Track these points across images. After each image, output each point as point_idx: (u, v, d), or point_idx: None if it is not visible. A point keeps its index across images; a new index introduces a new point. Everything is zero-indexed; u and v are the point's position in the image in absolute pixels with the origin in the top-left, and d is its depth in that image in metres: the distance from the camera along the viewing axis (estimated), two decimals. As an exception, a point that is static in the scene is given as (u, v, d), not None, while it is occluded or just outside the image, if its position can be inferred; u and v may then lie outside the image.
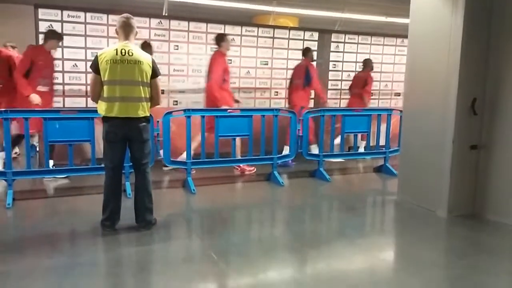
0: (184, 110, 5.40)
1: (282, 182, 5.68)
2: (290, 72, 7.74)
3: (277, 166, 5.86)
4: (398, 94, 8.75)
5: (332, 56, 8.25)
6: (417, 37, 4.87)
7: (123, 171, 4.14)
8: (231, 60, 7.17)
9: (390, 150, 6.59)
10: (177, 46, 6.81)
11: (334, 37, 8.28)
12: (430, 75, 4.66)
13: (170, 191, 5.41)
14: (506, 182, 4.28)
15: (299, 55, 7.75)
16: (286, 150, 6.55)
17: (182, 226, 4.24)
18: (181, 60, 6.87)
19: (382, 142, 6.64)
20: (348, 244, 3.82)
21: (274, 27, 7.93)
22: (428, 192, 4.67)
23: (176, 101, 6.89)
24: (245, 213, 4.81)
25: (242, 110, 5.88)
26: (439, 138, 4.52)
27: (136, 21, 3.95)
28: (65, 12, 6.09)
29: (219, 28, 7.12)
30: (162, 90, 5.82)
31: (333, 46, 8.25)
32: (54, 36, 5.62)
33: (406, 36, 5.07)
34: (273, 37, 7.65)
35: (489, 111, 4.43)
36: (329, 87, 8.24)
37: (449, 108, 4.41)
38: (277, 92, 7.81)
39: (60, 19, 6.07)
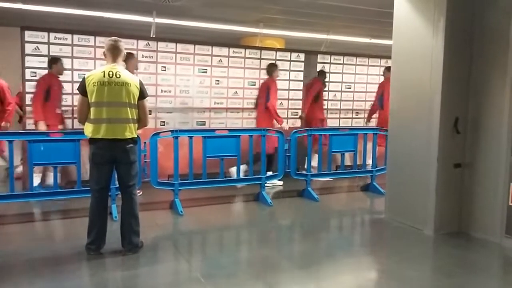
0: (172, 131, 5.40)
1: (271, 202, 5.66)
2: (279, 92, 7.83)
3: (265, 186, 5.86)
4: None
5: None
6: (400, 58, 4.99)
7: (109, 194, 4.09)
8: (218, 81, 7.24)
9: (377, 168, 6.65)
10: (165, 67, 6.85)
11: (320, 58, 8.41)
12: (414, 95, 4.76)
13: (157, 212, 5.35)
14: (489, 200, 4.34)
15: (286, 75, 7.88)
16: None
17: (169, 249, 4.19)
18: (168, 81, 6.90)
19: (369, 161, 6.71)
20: (336, 264, 3.81)
21: (261, 48, 8.04)
22: (414, 210, 4.71)
23: (164, 122, 6.89)
24: (233, 234, 4.77)
25: (229, 130, 5.90)
26: (424, 156, 4.59)
27: (124, 43, 3.99)
28: (52, 34, 6.10)
29: (206, 50, 7.20)
30: (149, 111, 5.85)
31: (319, 67, 8.37)
32: (55, 61, 5.90)
33: (390, 57, 5.18)
34: (260, 58, 7.74)
35: (472, 130, 4.52)
36: (316, 107, 8.30)
37: (433, 127, 4.49)
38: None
39: (46, 41, 6.07)
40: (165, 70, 6.86)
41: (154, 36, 7.05)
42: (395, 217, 4.96)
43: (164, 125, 6.84)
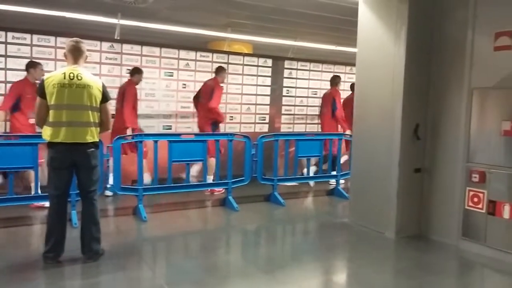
0: (135, 135, 5.29)
1: (237, 207, 5.65)
2: (245, 98, 7.87)
3: (231, 191, 5.84)
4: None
5: (286, 82, 8.44)
6: (364, 65, 5.11)
7: (69, 199, 3.95)
8: (185, 84, 7.17)
9: (341, 173, 6.76)
10: (129, 70, 6.72)
11: (287, 64, 8.50)
12: (376, 102, 4.88)
13: (120, 219, 5.21)
14: (447, 204, 4.49)
15: (253, 80, 7.91)
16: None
17: (132, 256, 4.08)
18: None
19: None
20: (301, 268, 3.83)
21: (229, 53, 8.04)
22: (377, 214, 4.81)
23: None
24: (199, 240, 4.72)
25: (196, 135, 5.85)
26: (386, 162, 4.70)
27: (87, 44, 3.88)
28: (10, 34, 5.87)
29: (173, 53, 7.13)
30: (113, 114, 5.71)
31: (286, 73, 8.45)
32: (33, 65, 5.44)
33: (355, 64, 5.30)
34: (228, 63, 7.74)
35: (431, 136, 4.68)
36: (283, 112, 8.39)
37: (395, 133, 4.62)
38: (232, 116, 7.85)
39: (4, 40, 5.83)
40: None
41: (118, 38, 6.91)
42: (358, 221, 5.06)
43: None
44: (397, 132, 4.60)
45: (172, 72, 7.10)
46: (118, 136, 5.19)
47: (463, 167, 4.33)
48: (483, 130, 4.20)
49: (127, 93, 6.01)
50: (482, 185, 4.14)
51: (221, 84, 6.68)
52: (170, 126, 7.08)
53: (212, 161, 6.02)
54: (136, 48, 6.80)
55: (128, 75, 6.30)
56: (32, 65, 5.44)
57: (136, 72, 6.24)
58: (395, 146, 4.62)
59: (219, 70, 6.71)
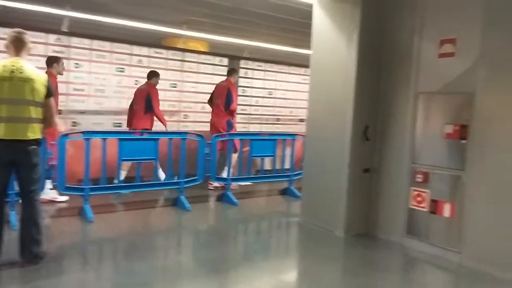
0: (83, 132, 5.08)
1: (189, 207, 5.56)
2: (201, 96, 7.78)
3: (183, 191, 5.74)
4: (302, 120, 9.19)
5: (241, 82, 8.44)
6: (317, 67, 5.19)
7: (7, 199, 3.71)
8: (137, 81, 6.98)
9: (294, 173, 6.84)
10: (78, 64, 6.46)
11: (243, 63, 8.51)
12: (329, 103, 4.97)
13: (64, 220, 4.98)
14: (393, 203, 4.66)
15: (210, 79, 7.84)
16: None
17: (76, 259, 3.91)
18: (82, 79, 6.51)
19: (287, 165, 6.89)
20: (253, 267, 3.83)
21: (184, 50, 7.92)
22: (327, 213, 4.91)
23: (75, 123, 6.47)
24: (148, 241, 4.59)
25: (149, 132, 5.70)
26: (337, 162, 4.80)
27: (32, 36, 3.68)
28: None
29: (125, 48, 6.92)
30: (59, 110, 5.46)
31: (242, 72, 8.45)
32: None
33: (308, 66, 5.37)
34: (183, 60, 7.63)
35: (380, 137, 4.83)
36: (238, 111, 8.37)
37: (345, 134, 4.72)
38: (186, 115, 7.75)
39: None
40: (78, 67, 6.46)
41: (66, 31, 6.61)
42: (309, 220, 5.13)
43: (75, 126, 6.43)
44: (348, 133, 4.71)
45: (124, 68, 6.89)
46: (62, 134, 4.95)
47: (408, 168, 4.50)
48: (428, 132, 4.39)
49: (154, 96, 6.42)
50: (426, 185, 4.33)
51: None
52: (121, 123, 6.87)
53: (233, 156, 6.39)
54: (86, 42, 6.54)
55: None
56: None
57: (153, 75, 6.61)
58: (346, 146, 4.72)
59: (232, 72, 7.06)
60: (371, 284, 3.53)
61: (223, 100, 6.78)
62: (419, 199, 4.37)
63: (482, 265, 3.80)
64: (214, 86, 7.14)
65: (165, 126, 6.66)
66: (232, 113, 6.91)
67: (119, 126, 6.83)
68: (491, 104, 3.86)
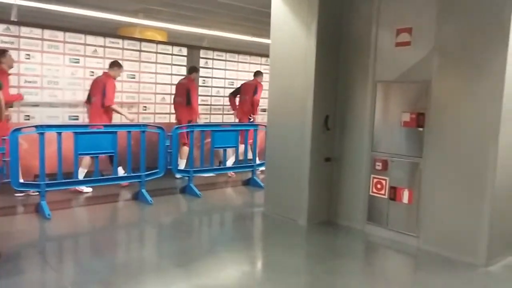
0: (36, 126, 4.85)
1: (151, 201, 5.46)
2: (159, 87, 7.62)
3: (145, 184, 5.62)
4: (264, 110, 9.20)
5: (202, 72, 8.32)
6: (277, 57, 5.19)
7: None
8: (93, 72, 6.72)
9: (257, 163, 6.87)
10: (29, 55, 6.13)
11: (202, 53, 8.37)
12: (289, 93, 4.99)
13: (20, 217, 4.76)
14: (353, 191, 4.77)
15: (168, 69, 7.68)
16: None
17: (33, 257, 3.75)
18: (33, 71, 6.19)
19: (249, 156, 6.89)
20: (216, 259, 3.81)
21: (141, 40, 7.70)
22: (290, 202, 4.96)
23: (29, 116, 6.17)
24: (109, 236, 4.47)
25: (105, 126, 5.51)
26: (298, 151, 4.85)
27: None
28: None
29: (79, 38, 6.63)
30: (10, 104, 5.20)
31: (202, 62, 8.33)
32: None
33: (268, 56, 5.36)
34: (140, 50, 7.41)
35: (340, 126, 4.92)
36: (199, 102, 8.25)
37: (306, 124, 4.77)
38: (145, 107, 7.56)
39: None
40: (29, 59, 6.13)
41: (16, 20, 6.25)
42: (273, 209, 5.17)
43: (29, 119, 6.13)
44: (309, 123, 4.76)
45: (78, 59, 6.61)
46: (14, 128, 4.70)
47: (368, 156, 4.62)
48: (386, 121, 4.51)
49: (193, 90, 7.00)
50: (385, 172, 4.46)
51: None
52: (77, 116, 6.61)
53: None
54: (36, 32, 6.21)
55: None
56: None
57: (194, 70, 7.29)
58: (307, 136, 4.77)
59: (258, 73, 7.85)
60: (334, 269, 3.62)
61: (251, 95, 7.62)
62: (378, 186, 4.50)
63: (439, 249, 3.97)
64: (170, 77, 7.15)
65: (199, 119, 7.26)
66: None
67: (76, 119, 6.57)
68: (446, 93, 4.00)
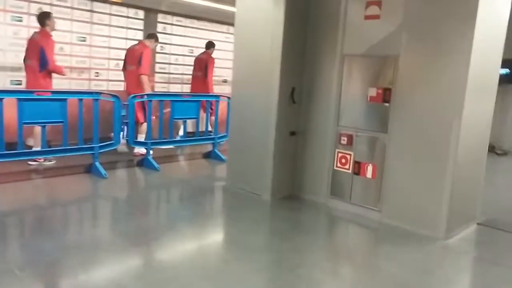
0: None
1: (105, 174, 5.14)
2: (113, 52, 7.12)
3: (98, 156, 5.28)
4: (225, 81, 8.93)
5: (160, 38, 7.84)
6: (243, 26, 4.93)
7: None
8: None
9: (218, 136, 6.66)
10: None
11: (161, 17, 7.89)
12: (255, 65, 4.78)
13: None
14: (318, 165, 4.71)
15: (123, 33, 7.19)
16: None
17: (-28, 237, 3.41)
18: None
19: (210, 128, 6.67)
20: (177, 236, 3.64)
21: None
22: (253, 177, 4.83)
23: None
24: (60, 214, 4.16)
25: (53, 92, 5.05)
26: (263, 124, 4.69)
27: None
28: None
29: (20, -5, 5.99)
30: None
31: (160, 27, 7.86)
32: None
33: (231, 24, 5.08)
34: (92, 11, 6.84)
35: (306, 100, 4.79)
36: (157, 70, 7.85)
37: (272, 96, 4.60)
38: (98, 73, 7.06)
39: None
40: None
41: None
42: (235, 183, 5.03)
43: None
44: (275, 96, 4.59)
45: (21, 17, 5.99)
46: None
47: (333, 130, 4.54)
48: (352, 95, 4.42)
49: (210, 65, 7.32)
50: (350, 147, 4.41)
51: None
52: (20, 81, 6.04)
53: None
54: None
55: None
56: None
57: (211, 46, 7.60)
58: (273, 109, 4.61)
59: (209, 45, 7.65)
60: (299, 246, 3.54)
61: (203, 72, 7.45)
62: (343, 161, 4.46)
63: (400, 222, 4.02)
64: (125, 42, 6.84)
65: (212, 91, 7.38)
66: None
67: (19, 85, 6.00)
68: (413, 68, 3.95)
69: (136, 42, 6.79)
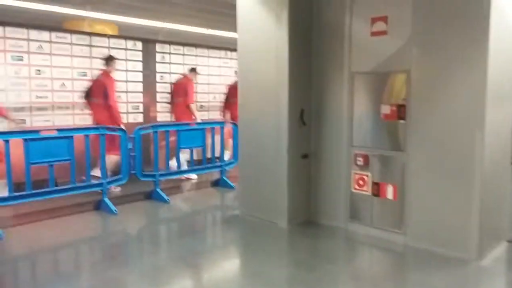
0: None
1: (115, 210, 4.99)
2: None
3: (107, 192, 5.14)
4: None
5: (159, 67, 7.83)
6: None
7: None
8: (39, 70, 6.08)
9: (226, 163, 6.54)
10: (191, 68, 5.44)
11: (159, 47, 7.87)
12: (261, 88, 4.71)
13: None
14: (332, 187, 4.57)
15: (123, 65, 7.15)
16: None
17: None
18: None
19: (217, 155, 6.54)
20: (195, 275, 3.48)
21: (91, 34, 7.09)
22: (267, 203, 4.69)
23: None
24: (72, 255, 4.01)
25: (59, 130, 4.94)
26: (273, 149, 4.59)
27: None
28: None
29: (21, 33, 5.96)
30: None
31: (158, 57, 7.83)
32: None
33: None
34: (91, 45, 6.81)
35: (316, 121, 4.70)
36: (158, 100, 7.78)
37: (281, 119, 4.51)
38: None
39: None
40: (-37, 57, 5.42)
41: None
42: (249, 212, 4.88)
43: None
44: (284, 119, 4.50)
45: (22, 56, 5.95)
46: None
47: (347, 151, 4.43)
48: (365, 114, 4.33)
49: (190, 90, 7.08)
50: (366, 168, 4.29)
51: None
52: (24, 120, 5.95)
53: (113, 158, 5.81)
54: (-29, 27, 5.49)
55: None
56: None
57: (192, 70, 7.34)
58: (283, 132, 4.51)
59: (192, 70, 7.34)
60: (326, 277, 3.38)
61: (184, 97, 7.12)
62: (361, 182, 4.34)
63: (427, 245, 3.85)
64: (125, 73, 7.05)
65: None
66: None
67: (23, 124, 5.90)
68: (427, 82, 3.87)
69: (181, 76, 7.37)
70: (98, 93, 6.00)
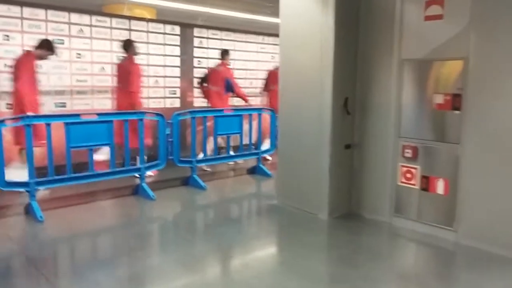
0: (22, 118, 4.29)
1: (153, 195, 4.97)
2: (153, 69, 7.03)
3: (145, 178, 5.13)
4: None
5: (196, 52, 7.74)
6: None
7: None
8: (80, 54, 6.11)
9: (262, 150, 6.41)
10: (8, 36, 5.48)
11: (197, 32, 7.77)
12: (303, 75, 4.53)
13: (8, 221, 4.23)
14: (376, 180, 4.37)
15: (161, 50, 7.10)
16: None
17: (24, 268, 3.28)
18: (14, 54, 5.53)
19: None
20: (234, 265, 3.41)
21: (130, 18, 7.06)
22: (308, 194, 4.54)
23: (11, 105, 5.55)
24: (110, 240, 4.02)
25: (99, 114, 4.95)
26: (316, 138, 4.42)
27: None
28: None
29: (62, 16, 5.98)
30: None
31: (196, 42, 7.74)
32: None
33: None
34: (130, 29, 6.79)
35: (360, 110, 4.48)
36: (195, 85, 7.71)
37: (325, 107, 4.32)
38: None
39: None
40: (8, 40, 5.48)
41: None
42: (288, 202, 4.75)
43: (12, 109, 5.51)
44: (327, 107, 4.31)
45: (63, 39, 5.98)
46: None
47: (394, 141, 4.20)
48: (415, 104, 4.08)
49: (231, 79, 6.78)
50: (415, 160, 4.05)
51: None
52: (65, 103, 6.01)
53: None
54: (15, 10, 5.54)
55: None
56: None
57: (226, 54, 6.88)
58: (326, 121, 4.33)
59: (224, 53, 6.91)
60: (371, 275, 3.20)
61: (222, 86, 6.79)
62: (408, 175, 4.10)
63: (481, 244, 3.60)
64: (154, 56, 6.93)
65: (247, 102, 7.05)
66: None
67: (63, 107, 5.97)
68: (486, 71, 3.58)
69: (219, 63, 6.92)
70: (215, 82, 6.65)
